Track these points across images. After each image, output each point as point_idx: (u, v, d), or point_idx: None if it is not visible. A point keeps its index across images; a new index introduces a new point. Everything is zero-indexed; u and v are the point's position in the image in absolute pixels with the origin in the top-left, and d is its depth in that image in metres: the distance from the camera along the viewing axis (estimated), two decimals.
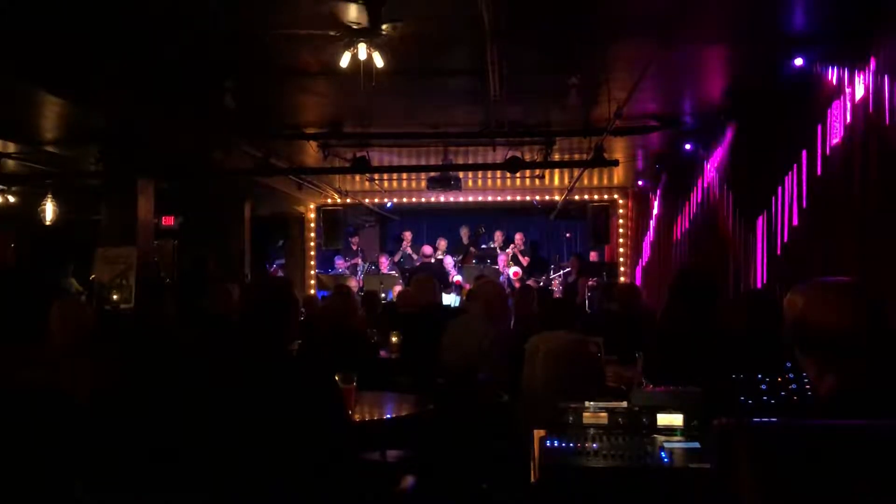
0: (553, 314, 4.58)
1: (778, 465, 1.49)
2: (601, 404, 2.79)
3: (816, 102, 5.42)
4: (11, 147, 8.27)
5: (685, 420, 2.70)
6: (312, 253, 13.64)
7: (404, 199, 13.12)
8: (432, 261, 12.84)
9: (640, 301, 6.61)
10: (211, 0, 4.72)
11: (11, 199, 10.81)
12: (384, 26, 4.84)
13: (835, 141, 5.13)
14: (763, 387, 2.73)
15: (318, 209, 13.22)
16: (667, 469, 2.41)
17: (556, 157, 9.31)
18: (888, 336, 1.59)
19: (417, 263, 13.32)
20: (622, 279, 12.24)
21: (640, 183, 11.97)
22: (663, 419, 2.72)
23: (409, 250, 13.81)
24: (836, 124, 5.11)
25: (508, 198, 13.04)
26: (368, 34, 4.85)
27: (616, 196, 12.96)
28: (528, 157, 8.96)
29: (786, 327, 1.68)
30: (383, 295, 10.93)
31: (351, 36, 4.90)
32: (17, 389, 3.48)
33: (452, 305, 10.35)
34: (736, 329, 3.49)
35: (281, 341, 2.94)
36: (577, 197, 12.56)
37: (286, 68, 5.95)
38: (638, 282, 11.96)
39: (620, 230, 13.00)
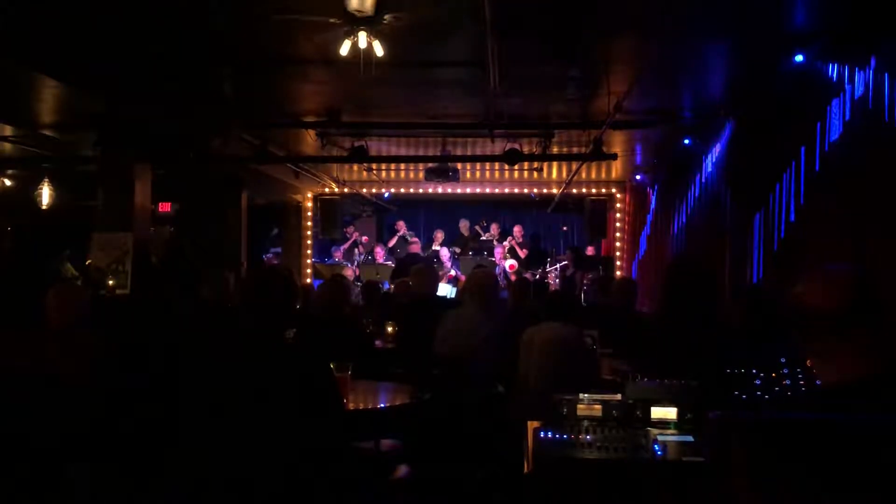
0: (551, 306, 4.58)
1: (772, 459, 1.49)
2: (595, 396, 2.80)
3: (816, 99, 5.42)
4: (8, 130, 8.24)
5: (679, 413, 2.70)
6: (309, 242, 13.62)
7: (402, 190, 13.10)
8: (421, 253, 12.81)
9: (635, 296, 6.62)
10: None
11: (8, 182, 10.77)
12: (385, 16, 4.82)
13: (834, 138, 5.12)
14: (758, 382, 2.74)
15: (316, 198, 13.19)
16: (660, 462, 2.41)
17: (555, 149, 9.30)
18: (886, 326, 1.60)
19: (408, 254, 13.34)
20: (618, 273, 12.25)
21: (638, 177, 11.97)
22: (657, 412, 2.72)
23: (407, 237, 13.83)
24: (836, 121, 5.11)
25: (506, 190, 13.03)
26: (369, 22, 4.83)
27: (614, 190, 12.96)
28: (526, 150, 8.95)
29: (787, 315, 1.69)
30: (380, 285, 10.93)
31: (352, 24, 4.88)
32: (13, 373, 3.48)
33: (448, 296, 10.35)
34: (733, 324, 3.50)
35: (279, 329, 2.94)
36: (574, 190, 12.57)
37: (285, 56, 5.92)
38: (634, 276, 11.97)
39: (618, 224, 13.00)
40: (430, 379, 4.60)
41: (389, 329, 6.07)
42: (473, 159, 10.41)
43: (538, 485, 2.49)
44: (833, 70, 5.22)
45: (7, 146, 8.91)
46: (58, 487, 3.31)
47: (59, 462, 3.33)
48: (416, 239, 13.28)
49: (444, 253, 13.03)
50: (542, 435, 2.60)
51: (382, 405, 3.98)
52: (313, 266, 13.40)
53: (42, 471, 3.28)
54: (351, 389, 3.89)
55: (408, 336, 5.57)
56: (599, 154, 8.48)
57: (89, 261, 8.09)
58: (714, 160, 8.10)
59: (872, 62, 4.59)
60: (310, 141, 8.87)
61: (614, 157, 9.00)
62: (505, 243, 13.30)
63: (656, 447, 2.48)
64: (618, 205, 13.00)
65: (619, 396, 2.81)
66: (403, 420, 3.99)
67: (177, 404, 3.01)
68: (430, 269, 6.15)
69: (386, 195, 13.48)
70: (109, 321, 4.54)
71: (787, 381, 2.71)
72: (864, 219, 4.65)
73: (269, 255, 13.94)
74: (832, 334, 1.60)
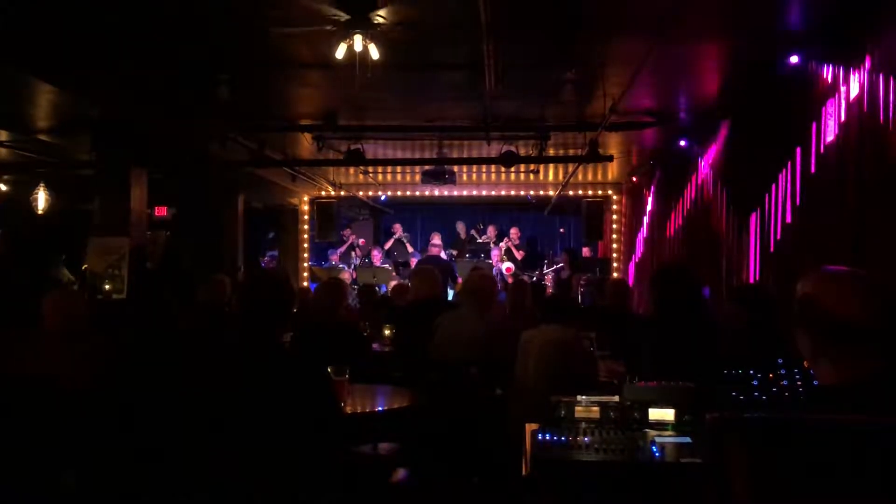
0: (549, 308, 4.58)
1: (769, 460, 1.49)
2: (593, 398, 2.80)
3: (811, 100, 5.43)
4: (4, 135, 8.22)
5: (676, 415, 2.71)
6: (306, 245, 13.62)
7: (398, 193, 13.10)
8: (443, 256, 12.76)
9: (629, 297, 6.65)
10: None
11: (3, 187, 10.75)
12: (380, 18, 4.82)
13: (829, 139, 5.13)
14: (755, 383, 2.74)
15: (312, 201, 13.19)
16: (658, 463, 2.41)
17: (551, 151, 9.31)
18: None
19: (414, 256, 13.32)
20: (615, 275, 12.27)
21: (634, 179, 11.99)
22: (655, 414, 2.72)
23: (402, 240, 13.83)
24: (831, 122, 5.11)
25: (503, 192, 13.05)
26: (364, 25, 4.83)
27: (610, 192, 12.98)
28: (522, 152, 8.97)
29: (794, 312, 1.68)
30: (376, 288, 10.92)
31: (347, 27, 4.88)
32: (10, 377, 3.48)
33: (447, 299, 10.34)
34: (729, 325, 3.50)
35: (276, 333, 2.94)
36: (571, 192, 12.58)
37: (282, 59, 5.92)
38: (630, 277, 11.98)
39: (614, 226, 13.02)
40: (428, 382, 4.60)
41: (387, 332, 6.06)
42: (470, 162, 10.42)
43: (536, 487, 2.49)
44: (828, 71, 5.23)
45: (3, 151, 8.89)
46: (55, 491, 3.31)
47: (57, 466, 3.33)
48: (437, 241, 13.18)
49: (442, 256, 13.03)
50: (540, 437, 2.60)
51: (380, 408, 3.97)
52: (310, 269, 13.40)
53: (39, 475, 3.27)
54: (349, 393, 3.89)
55: (406, 339, 5.57)
56: (595, 156, 8.50)
57: (85, 265, 8.08)
58: (710, 161, 8.11)
59: (867, 62, 4.60)
60: (306, 144, 8.87)
61: (610, 158, 9.01)
62: (501, 245, 13.31)
63: (654, 448, 2.48)
64: (614, 206, 13.02)
65: (616, 398, 2.81)
66: (402, 423, 3.99)
67: (174, 409, 3.00)
68: (430, 272, 6.13)
69: (382, 198, 13.48)
70: (106, 326, 4.53)
71: (785, 382, 2.71)
72: (860, 220, 4.66)
73: (267, 259, 13.94)
74: (856, 343, 1.59)
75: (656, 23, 5.07)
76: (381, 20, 4.86)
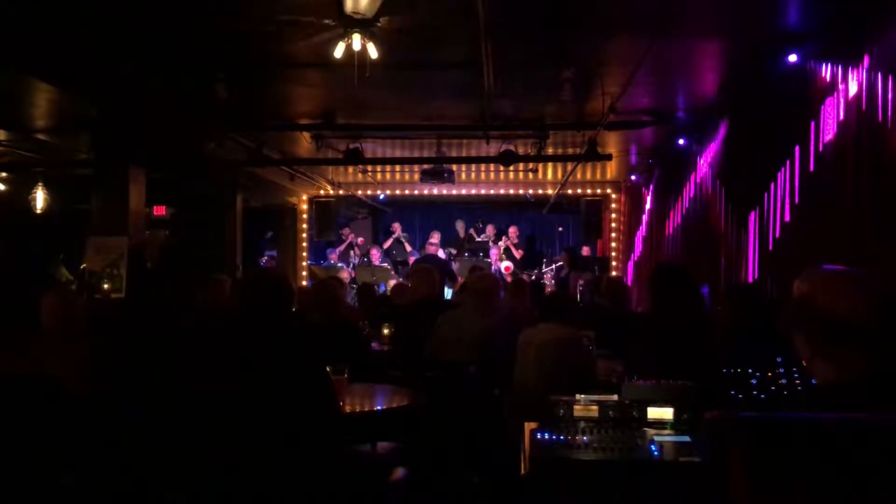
0: (548, 308, 4.59)
1: (769, 459, 1.49)
2: (592, 397, 2.80)
3: (810, 99, 5.43)
4: (2, 135, 8.21)
5: (675, 414, 2.70)
6: (305, 244, 13.62)
7: (397, 192, 13.11)
8: (440, 255, 12.74)
9: (626, 296, 6.66)
10: None
11: (2, 187, 10.74)
12: (380, 18, 4.82)
13: (828, 137, 5.14)
14: (754, 381, 2.74)
15: (311, 200, 13.20)
16: (657, 462, 2.41)
17: (550, 150, 9.31)
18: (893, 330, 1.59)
19: (413, 255, 13.31)
20: (613, 273, 12.27)
21: (633, 178, 11.99)
22: (654, 412, 2.72)
23: (401, 239, 13.83)
24: (830, 121, 5.12)
25: (502, 191, 13.05)
26: (364, 25, 4.83)
27: (609, 190, 12.98)
28: (521, 151, 8.97)
29: (792, 313, 1.68)
30: (376, 287, 10.91)
31: (346, 26, 4.87)
32: (9, 377, 3.47)
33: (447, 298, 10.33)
34: (728, 323, 3.50)
35: (275, 333, 2.94)
36: (570, 191, 12.58)
37: (280, 58, 5.92)
38: (629, 276, 11.98)
39: (613, 224, 13.02)
40: (427, 381, 4.60)
41: (386, 331, 6.06)
42: (469, 161, 10.42)
43: (535, 486, 2.49)
44: (827, 69, 5.23)
45: (1, 150, 8.88)
46: (54, 492, 3.30)
47: (55, 468, 3.33)
48: (435, 240, 13.17)
49: (441, 255, 13.03)
50: (538, 436, 2.60)
51: (379, 408, 3.97)
52: (309, 269, 13.40)
53: (39, 475, 3.27)
54: (348, 392, 3.90)
55: (405, 338, 5.57)
56: (594, 155, 8.50)
57: (84, 265, 8.07)
58: (709, 160, 8.12)
59: (866, 61, 4.60)
60: (305, 143, 8.87)
61: (609, 157, 9.02)
62: (500, 244, 13.31)
63: (653, 447, 2.48)
64: (613, 205, 13.02)
65: (615, 397, 2.81)
66: (401, 423, 3.99)
67: (173, 408, 3.00)
68: (429, 271, 6.13)
69: (381, 197, 13.48)
70: (105, 325, 4.53)
71: (784, 381, 2.72)
72: (858, 218, 4.66)
73: (266, 258, 13.93)
74: (854, 342, 1.59)
75: (655, 21, 5.08)
76: (380, 19, 4.85)
